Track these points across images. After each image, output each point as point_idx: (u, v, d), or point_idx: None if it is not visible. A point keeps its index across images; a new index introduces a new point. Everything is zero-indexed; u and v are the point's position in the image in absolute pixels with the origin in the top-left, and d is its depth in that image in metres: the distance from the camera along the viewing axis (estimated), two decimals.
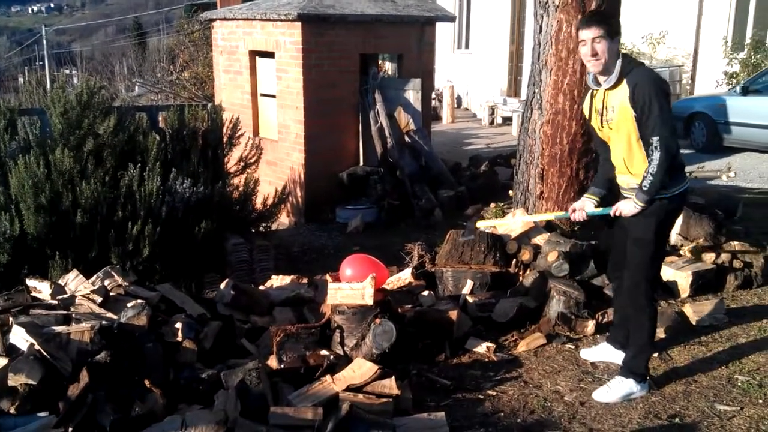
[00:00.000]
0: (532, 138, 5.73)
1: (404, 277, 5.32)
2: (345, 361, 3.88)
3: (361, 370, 3.65)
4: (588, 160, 5.66)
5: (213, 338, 4.02)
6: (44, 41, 40.06)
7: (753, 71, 12.94)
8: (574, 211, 3.81)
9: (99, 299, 3.94)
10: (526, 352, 4.23)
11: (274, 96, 8.30)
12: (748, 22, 14.20)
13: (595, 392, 3.65)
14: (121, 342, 3.66)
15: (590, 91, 3.58)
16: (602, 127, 3.53)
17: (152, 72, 21.37)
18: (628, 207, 3.44)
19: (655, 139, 3.26)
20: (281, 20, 7.75)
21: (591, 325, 4.44)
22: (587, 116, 3.65)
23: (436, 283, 5.20)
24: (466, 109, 19.25)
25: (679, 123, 11.76)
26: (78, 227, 5.23)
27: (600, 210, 3.69)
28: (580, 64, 5.37)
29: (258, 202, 6.69)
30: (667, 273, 5.10)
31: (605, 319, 4.48)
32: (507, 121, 15.76)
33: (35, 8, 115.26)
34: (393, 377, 3.59)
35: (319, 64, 7.72)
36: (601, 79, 3.45)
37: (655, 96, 3.26)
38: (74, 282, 4.29)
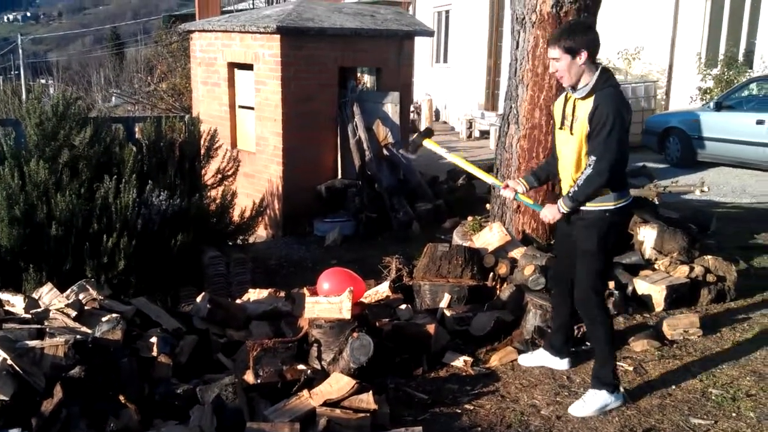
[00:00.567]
0: (509, 152, 5.77)
1: (382, 290, 5.31)
2: (322, 375, 3.87)
3: (338, 384, 3.64)
4: None
5: (189, 353, 3.99)
6: (20, 50, 39.68)
7: (726, 87, 13.16)
8: (506, 186, 3.96)
9: (73, 313, 3.90)
10: (504, 366, 4.25)
11: (252, 108, 8.28)
12: (721, 38, 14.44)
13: (571, 407, 3.68)
14: (95, 357, 3.62)
15: (566, 95, 3.66)
16: (562, 127, 3.64)
17: (129, 83, 21.23)
18: (551, 211, 3.64)
19: (592, 159, 3.42)
20: (260, 33, 7.75)
21: (574, 332, 4.45)
22: (554, 115, 3.76)
23: (413, 296, 5.21)
24: (445, 123, 19.34)
25: (653, 138, 11.93)
26: (53, 240, 5.17)
27: (531, 202, 3.94)
28: (556, 79, 5.42)
29: (235, 215, 6.66)
30: (641, 287, 5.15)
31: (580, 332, 4.51)
32: (484, 134, 15.85)
33: (11, 17, 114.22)
34: (370, 392, 3.59)
35: (298, 76, 7.72)
36: (576, 86, 3.54)
37: (611, 120, 3.37)
38: (48, 295, 4.24)
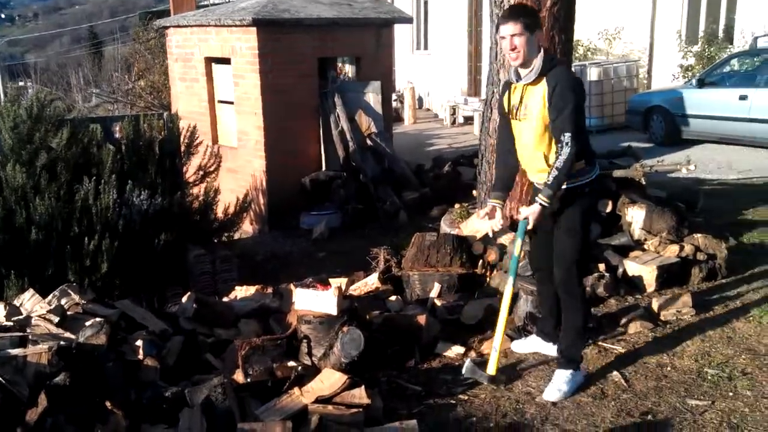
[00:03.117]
0: (493, 138, 5.70)
1: (371, 282, 5.27)
2: (313, 371, 3.80)
3: (329, 380, 3.57)
4: None
5: (176, 354, 3.90)
6: None
7: (708, 64, 13.14)
8: (490, 216, 3.83)
9: (56, 319, 3.80)
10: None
11: (231, 102, 8.17)
12: (700, 16, 14.42)
13: (545, 394, 3.62)
14: (80, 362, 3.53)
15: (510, 85, 3.58)
16: (515, 118, 3.55)
17: (108, 82, 20.98)
18: (534, 210, 3.44)
19: (567, 135, 3.32)
20: (236, 26, 7.63)
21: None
22: (504, 109, 3.65)
23: (403, 287, 5.15)
24: (428, 110, 19.26)
25: (637, 117, 11.90)
26: (33, 244, 5.06)
27: (520, 230, 3.64)
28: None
29: (219, 211, 6.57)
30: (632, 268, 5.11)
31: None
32: (468, 120, 15.78)
33: None
34: (363, 387, 3.52)
35: (276, 68, 7.60)
36: (522, 72, 3.47)
37: (571, 97, 3.32)
38: (30, 302, 4.14)
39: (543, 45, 3.49)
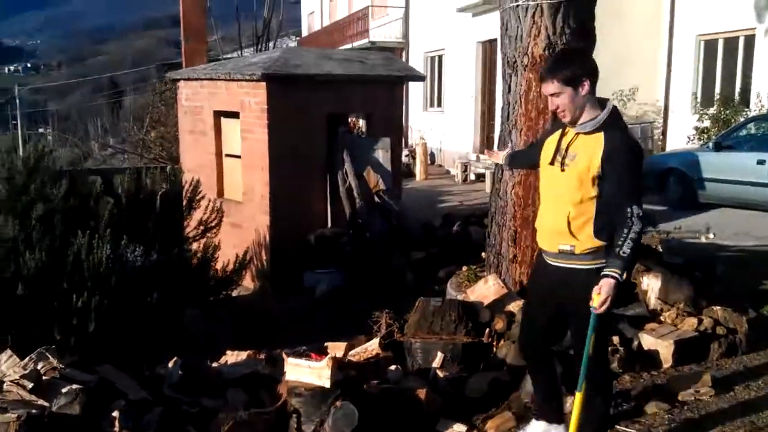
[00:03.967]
0: (504, 199, 5.50)
1: (371, 348, 4.99)
2: None
3: None
4: None
5: (156, 426, 3.65)
6: (17, 101, 39.85)
7: (723, 126, 13.00)
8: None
9: (29, 385, 3.56)
10: None
11: (239, 156, 8.05)
12: (716, 78, 14.36)
13: None
14: None
15: (563, 128, 3.20)
16: (553, 163, 3.14)
17: (124, 132, 21.15)
18: (610, 285, 2.87)
19: (635, 209, 2.88)
20: (246, 80, 7.56)
21: (570, 401, 4.11)
22: (543, 151, 3.27)
23: (404, 354, 4.88)
24: (440, 166, 19.19)
25: (653, 179, 11.68)
26: (19, 300, 4.85)
27: (592, 324, 3.05)
28: (550, 123, 5.20)
29: (219, 267, 6.36)
30: (647, 341, 4.82)
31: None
32: (480, 177, 15.66)
33: (12, 68, 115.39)
34: None
35: (285, 124, 7.50)
36: (579, 120, 3.08)
37: (638, 168, 2.97)
38: (6, 364, 3.90)
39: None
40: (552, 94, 3.02)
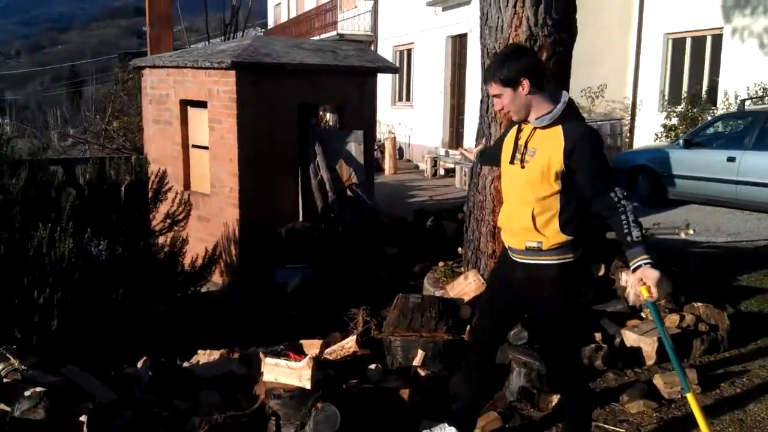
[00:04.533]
0: (483, 194, 5.37)
1: (348, 345, 4.83)
2: None
3: None
4: None
5: (126, 431, 3.44)
6: None
7: (691, 124, 13.10)
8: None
9: None
10: None
11: (206, 147, 7.79)
12: (684, 76, 14.49)
13: None
14: None
15: (519, 124, 3.11)
16: (513, 162, 3.06)
17: (85, 122, 20.58)
18: (654, 277, 2.74)
19: (618, 190, 2.82)
20: (214, 68, 7.30)
21: (555, 399, 4.01)
22: (503, 151, 3.18)
23: (383, 351, 4.72)
24: (408, 161, 19.07)
25: (622, 176, 11.70)
26: None
27: (655, 317, 3.02)
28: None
29: (187, 262, 6.12)
30: (630, 338, 4.75)
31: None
32: (449, 173, 15.57)
33: None
34: None
35: (255, 114, 7.25)
36: (531, 116, 2.99)
37: (603, 155, 2.92)
38: None
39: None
40: (494, 95, 3.01)
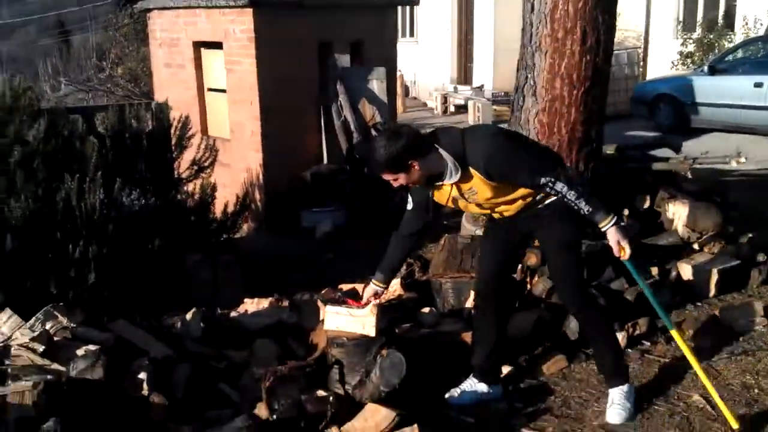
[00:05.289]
0: (526, 128, 5.15)
1: (393, 288, 4.67)
2: (348, 403, 3.23)
3: (375, 418, 3.00)
4: (588, 150, 5.12)
5: (184, 386, 3.30)
6: None
7: (708, 50, 12.76)
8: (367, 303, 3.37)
9: (41, 348, 3.17)
10: (554, 376, 3.65)
11: (223, 91, 7.51)
12: (699, 1, 14.04)
13: (608, 416, 3.20)
14: (73, 403, 2.92)
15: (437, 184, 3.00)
16: (470, 205, 3.06)
17: (79, 70, 20.06)
18: (613, 233, 2.88)
19: (544, 178, 2.85)
20: (229, 7, 6.97)
21: (621, 337, 3.86)
22: (435, 199, 3.07)
23: (431, 294, 4.57)
24: (415, 98, 18.68)
25: (643, 106, 11.43)
26: (9, 254, 4.39)
27: (633, 272, 3.12)
28: (579, 44, 4.83)
29: (217, 210, 5.93)
30: (687, 272, 4.60)
31: (636, 331, 3.94)
32: (460, 109, 15.23)
33: None
34: (415, 426, 2.95)
35: (274, 53, 6.94)
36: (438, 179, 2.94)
37: (510, 160, 2.87)
38: (8, 325, 3.47)
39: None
40: (390, 180, 2.94)
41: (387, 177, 2.92)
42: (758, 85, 9.47)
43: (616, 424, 3.16)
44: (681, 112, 10.64)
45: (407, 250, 3.35)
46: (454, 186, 2.95)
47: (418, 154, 2.85)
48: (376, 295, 3.37)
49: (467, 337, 3.74)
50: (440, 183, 2.95)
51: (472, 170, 2.87)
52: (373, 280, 3.35)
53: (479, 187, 2.92)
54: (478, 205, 3.09)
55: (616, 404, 3.21)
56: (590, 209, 2.85)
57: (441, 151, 2.87)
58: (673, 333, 3.16)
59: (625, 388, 3.25)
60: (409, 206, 3.19)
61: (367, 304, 3.36)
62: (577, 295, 3.23)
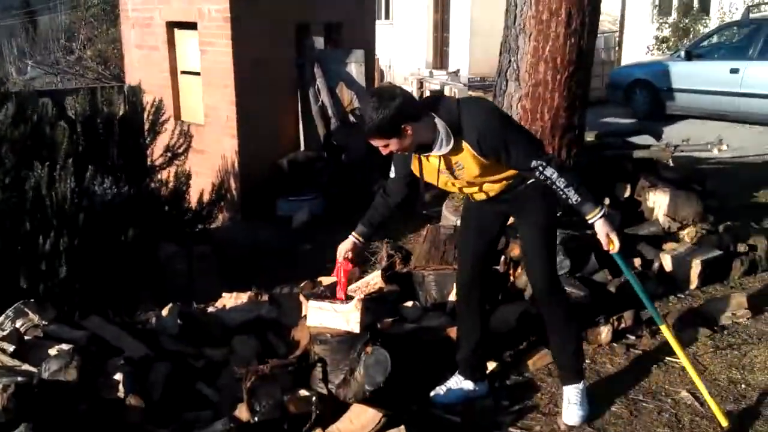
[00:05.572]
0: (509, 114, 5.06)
1: (374, 281, 4.58)
2: (330, 403, 3.14)
3: (360, 419, 2.92)
4: (572, 137, 5.06)
5: (162, 385, 3.19)
6: None
7: (683, 35, 12.78)
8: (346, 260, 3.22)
9: (11, 348, 3.03)
10: (540, 372, 3.60)
11: (197, 74, 7.31)
12: None
13: (564, 417, 3.12)
14: (45, 406, 2.79)
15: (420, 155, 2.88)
16: (456, 181, 2.93)
17: (47, 52, 19.53)
18: (601, 226, 2.80)
19: (537, 161, 2.77)
20: None
21: (606, 331, 3.84)
22: (418, 173, 2.94)
23: (413, 287, 4.49)
24: (390, 83, 18.54)
25: (619, 91, 11.42)
26: None
27: (621, 265, 3.05)
28: (564, 26, 4.75)
29: (192, 199, 5.78)
30: (669, 262, 4.57)
31: (622, 325, 3.90)
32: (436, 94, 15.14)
33: None
34: (402, 427, 2.88)
35: (251, 35, 6.76)
36: (427, 148, 2.81)
37: (505, 139, 2.76)
38: None
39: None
40: (381, 147, 2.79)
41: (377, 143, 2.77)
42: (734, 71, 9.49)
43: (574, 425, 3.07)
44: (656, 98, 10.65)
45: (391, 209, 3.20)
46: (442, 159, 2.83)
47: (412, 119, 2.70)
48: (354, 246, 3.19)
49: (452, 332, 3.66)
50: (428, 154, 2.83)
51: (463, 143, 2.76)
52: (353, 233, 3.20)
53: (467, 162, 2.81)
54: (467, 183, 2.96)
55: (573, 404, 3.12)
56: (578, 199, 2.78)
57: (435, 118, 2.76)
58: (663, 329, 3.09)
59: (580, 386, 3.15)
60: (392, 174, 3.09)
61: (346, 263, 3.20)
62: (548, 278, 3.10)
